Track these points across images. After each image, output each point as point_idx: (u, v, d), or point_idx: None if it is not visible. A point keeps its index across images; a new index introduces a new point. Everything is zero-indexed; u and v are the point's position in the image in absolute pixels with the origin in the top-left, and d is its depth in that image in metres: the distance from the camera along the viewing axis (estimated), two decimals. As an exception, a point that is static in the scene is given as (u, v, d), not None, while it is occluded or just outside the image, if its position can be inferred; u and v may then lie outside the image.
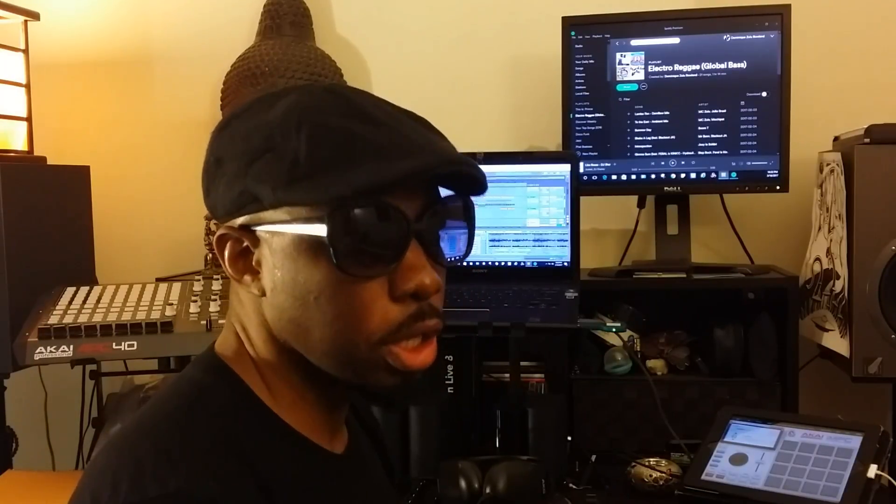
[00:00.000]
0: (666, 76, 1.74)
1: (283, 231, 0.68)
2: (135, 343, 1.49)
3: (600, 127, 1.77)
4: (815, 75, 1.85)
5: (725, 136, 1.72)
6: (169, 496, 0.61)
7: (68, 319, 1.53)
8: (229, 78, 1.93)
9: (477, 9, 2.00)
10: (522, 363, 1.68)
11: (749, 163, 1.72)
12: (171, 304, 1.57)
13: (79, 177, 1.90)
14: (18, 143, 1.82)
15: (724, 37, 1.71)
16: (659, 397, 1.58)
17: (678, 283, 1.69)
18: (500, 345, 1.66)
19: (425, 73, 2.02)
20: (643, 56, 1.74)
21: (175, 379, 0.75)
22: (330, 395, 0.75)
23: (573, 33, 1.76)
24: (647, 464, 1.49)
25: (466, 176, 0.71)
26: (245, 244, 0.71)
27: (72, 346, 1.49)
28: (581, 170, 1.73)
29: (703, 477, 1.32)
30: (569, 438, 1.60)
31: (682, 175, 1.74)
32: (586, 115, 1.77)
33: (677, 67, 1.73)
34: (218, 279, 1.67)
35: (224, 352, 0.75)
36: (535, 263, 1.67)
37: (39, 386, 1.93)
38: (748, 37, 1.70)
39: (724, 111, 1.72)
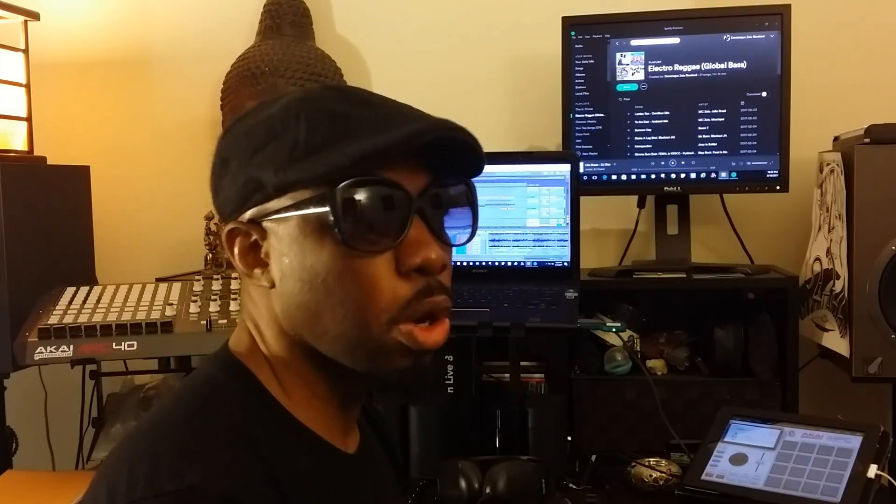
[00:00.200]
0: (666, 76, 1.74)
1: (289, 216, 0.69)
2: (135, 343, 1.49)
3: (600, 127, 1.77)
4: (815, 75, 1.85)
5: (725, 136, 1.72)
6: (184, 491, 0.61)
7: (68, 319, 1.53)
8: (229, 78, 1.93)
9: (477, 9, 2.00)
10: (522, 363, 1.68)
11: (749, 163, 1.72)
12: (171, 304, 1.57)
13: (79, 177, 1.89)
14: (18, 143, 1.81)
15: (724, 37, 1.71)
16: (659, 397, 1.58)
17: (678, 283, 1.69)
18: (500, 345, 1.66)
19: (425, 73, 2.02)
20: (643, 56, 1.74)
21: (190, 376, 0.76)
22: (342, 391, 0.76)
23: (573, 33, 1.76)
24: (647, 464, 1.49)
25: (463, 145, 0.71)
26: (254, 237, 0.72)
27: (72, 346, 1.49)
28: (581, 170, 1.73)
29: (703, 477, 1.32)
30: (569, 438, 1.60)
31: (682, 175, 1.74)
32: (586, 115, 1.77)
33: (677, 67, 1.73)
34: (218, 279, 1.66)
35: (238, 349, 0.76)
36: (535, 263, 1.67)
37: (39, 386, 1.92)
38: (748, 37, 1.70)
39: (724, 111, 1.72)
